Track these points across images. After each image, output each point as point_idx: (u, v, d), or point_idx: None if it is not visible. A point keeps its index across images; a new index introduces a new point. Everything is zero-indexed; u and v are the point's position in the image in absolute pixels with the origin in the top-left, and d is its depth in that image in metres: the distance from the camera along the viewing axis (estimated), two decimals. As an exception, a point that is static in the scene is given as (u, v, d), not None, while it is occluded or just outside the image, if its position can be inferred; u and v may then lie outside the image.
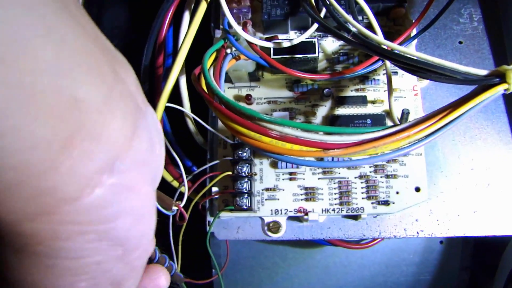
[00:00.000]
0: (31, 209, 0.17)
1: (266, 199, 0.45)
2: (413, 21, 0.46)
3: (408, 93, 0.46)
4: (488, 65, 0.49)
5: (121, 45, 0.62)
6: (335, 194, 0.45)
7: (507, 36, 0.50)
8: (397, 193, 0.44)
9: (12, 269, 0.19)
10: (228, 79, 0.47)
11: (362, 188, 0.44)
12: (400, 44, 0.43)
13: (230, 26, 0.40)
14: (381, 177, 0.45)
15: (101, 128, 0.18)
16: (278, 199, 0.45)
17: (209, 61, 0.39)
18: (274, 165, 0.45)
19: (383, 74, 0.47)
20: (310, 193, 0.45)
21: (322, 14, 0.42)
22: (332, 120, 0.46)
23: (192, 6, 0.47)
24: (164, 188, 0.40)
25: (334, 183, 0.45)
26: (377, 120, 0.45)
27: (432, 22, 0.45)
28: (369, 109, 0.46)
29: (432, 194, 0.46)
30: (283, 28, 0.47)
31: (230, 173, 0.44)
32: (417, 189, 0.44)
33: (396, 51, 0.34)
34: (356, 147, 0.31)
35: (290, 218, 0.46)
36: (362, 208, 0.44)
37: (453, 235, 0.45)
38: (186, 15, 0.47)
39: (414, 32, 0.46)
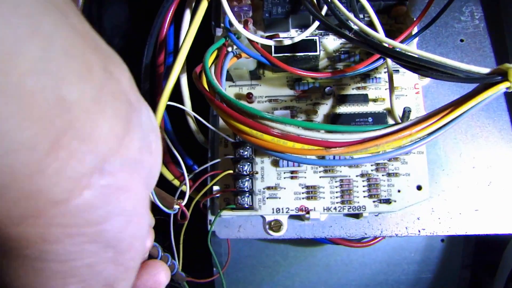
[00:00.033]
0: (18, 213, 0.17)
1: (267, 198, 0.45)
2: (414, 19, 0.46)
3: (409, 91, 0.46)
4: (490, 63, 0.49)
5: (122, 44, 0.62)
6: (336, 192, 0.45)
7: (508, 34, 0.49)
8: (399, 191, 0.44)
9: (0, 272, 0.19)
10: (229, 78, 0.47)
11: (363, 186, 0.44)
12: (401, 42, 0.43)
13: (231, 24, 0.40)
14: (382, 175, 0.45)
15: (90, 128, 0.17)
16: (280, 198, 0.45)
17: (210, 59, 0.39)
18: (275, 163, 0.45)
19: (385, 72, 0.47)
20: (311, 192, 0.45)
21: (323, 12, 0.42)
22: (333, 119, 0.46)
23: (193, 4, 0.47)
24: (165, 187, 0.40)
25: (336, 182, 0.45)
26: (379, 118, 0.45)
27: (434, 20, 0.45)
28: (371, 107, 0.46)
29: (433, 193, 0.45)
30: (284, 26, 0.47)
31: (231, 171, 0.44)
32: (419, 188, 0.44)
33: (397, 49, 0.34)
34: (358, 146, 0.30)
35: (292, 216, 0.46)
36: (363, 207, 0.44)
37: (454, 234, 0.45)
38: (187, 14, 0.46)
39: (415, 30, 0.45)
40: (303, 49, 0.43)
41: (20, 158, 0.16)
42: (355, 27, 0.37)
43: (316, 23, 0.43)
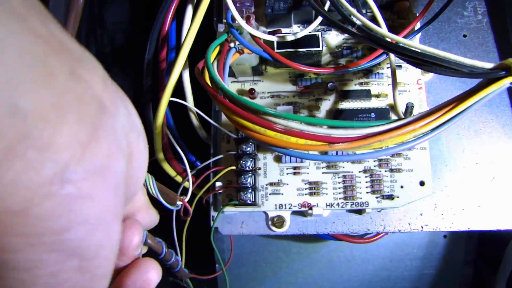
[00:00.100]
0: None
1: (270, 194, 0.45)
2: (417, 14, 0.46)
3: (412, 87, 0.46)
4: (493, 59, 0.49)
5: (124, 40, 0.62)
6: (339, 188, 0.45)
7: (512, 29, 0.49)
8: (402, 187, 0.44)
9: None
10: (231, 73, 0.47)
11: (366, 182, 0.44)
12: (404, 37, 0.43)
13: (233, 19, 0.40)
14: (385, 171, 0.44)
15: (49, 136, 0.17)
16: (282, 194, 0.45)
17: (212, 55, 0.39)
18: (278, 159, 0.45)
19: (387, 67, 0.47)
20: (314, 188, 0.45)
21: (326, 7, 0.42)
22: (336, 114, 0.45)
23: (195, 0, 0.47)
24: (168, 183, 0.40)
25: (339, 178, 0.45)
26: (381, 114, 0.45)
27: (436, 15, 0.44)
28: (373, 103, 0.46)
29: (436, 188, 0.45)
30: (286, 22, 0.47)
31: (234, 167, 0.44)
32: (422, 183, 0.44)
33: (401, 44, 0.33)
34: (362, 141, 0.30)
35: (294, 212, 0.46)
36: (366, 203, 0.44)
37: (457, 229, 0.45)
38: (189, 9, 0.46)
39: (418, 25, 0.45)
40: (306, 45, 0.43)
41: None
42: (358, 22, 0.37)
43: (319, 19, 0.43)
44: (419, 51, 0.32)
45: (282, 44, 0.43)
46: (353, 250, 0.61)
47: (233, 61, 0.42)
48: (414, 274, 0.61)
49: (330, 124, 0.32)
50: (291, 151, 0.32)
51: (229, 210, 0.45)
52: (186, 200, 0.40)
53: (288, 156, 0.45)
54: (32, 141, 0.16)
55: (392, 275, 0.61)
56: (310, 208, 0.44)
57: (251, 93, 0.46)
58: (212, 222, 0.46)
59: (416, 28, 0.45)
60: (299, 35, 0.42)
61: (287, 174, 0.45)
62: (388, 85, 0.46)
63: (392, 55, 0.43)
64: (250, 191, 0.43)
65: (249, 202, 0.43)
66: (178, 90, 0.44)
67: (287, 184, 0.45)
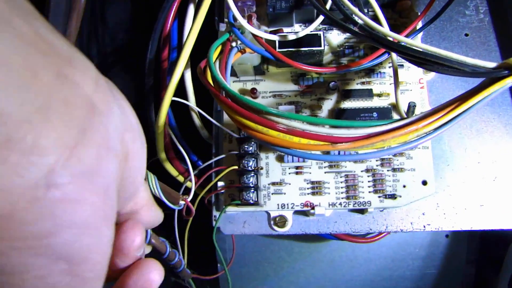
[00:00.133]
0: None
1: (272, 194, 0.45)
2: (419, 13, 0.46)
3: (414, 86, 0.46)
4: (495, 58, 0.49)
5: (126, 40, 0.62)
6: (341, 188, 0.44)
7: (513, 28, 0.49)
8: (404, 186, 0.44)
9: None
10: (233, 73, 0.47)
11: (369, 182, 0.44)
12: (406, 36, 0.43)
13: (235, 19, 0.40)
14: (388, 170, 0.44)
15: (33, 140, 0.16)
16: (285, 193, 0.45)
17: (214, 54, 0.39)
18: (280, 159, 0.45)
19: (389, 67, 0.47)
20: (316, 187, 0.45)
21: (327, 6, 0.42)
22: (338, 114, 0.45)
23: (197, -1, 0.47)
24: (170, 183, 0.40)
25: (341, 177, 0.45)
26: (383, 113, 0.45)
27: (438, 14, 0.44)
28: (375, 102, 0.46)
29: (439, 188, 0.45)
30: (288, 21, 0.47)
31: (236, 167, 0.44)
32: (424, 183, 0.44)
33: (403, 43, 0.33)
34: (364, 141, 0.30)
35: (297, 212, 0.46)
36: (369, 202, 0.44)
37: (460, 229, 0.45)
38: (191, 8, 0.46)
39: (419, 24, 0.45)
40: (308, 44, 0.43)
41: None
42: (360, 21, 0.37)
43: (321, 18, 0.42)
44: (421, 50, 0.32)
45: (283, 43, 0.43)
46: (355, 249, 0.61)
47: (235, 61, 0.42)
48: (416, 273, 0.61)
49: (332, 124, 0.32)
50: (294, 150, 0.32)
51: (231, 209, 0.45)
52: (189, 199, 0.39)
53: (291, 156, 0.45)
54: (14, 145, 0.16)
55: (394, 275, 0.61)
56: (313, 208, 0.44)
57: (253, 92, 0.46)
58: (214, 222, 0.46)
59: (418, 27, 0.45)
60: (301, 34, 0.42)
61: (289, 173, 0.45)
62: (390, 84, 0.46)
63: (394, 55, 0.43)
64: (252, 190, 0.43)
65: (252, 202, 0.43)
66: (180, 90, 0.44)
67: (289, 184, 0.45)
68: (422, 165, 0.44)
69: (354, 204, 0.44)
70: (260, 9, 0.47)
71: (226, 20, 0.47)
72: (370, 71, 0.47)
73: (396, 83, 0.43)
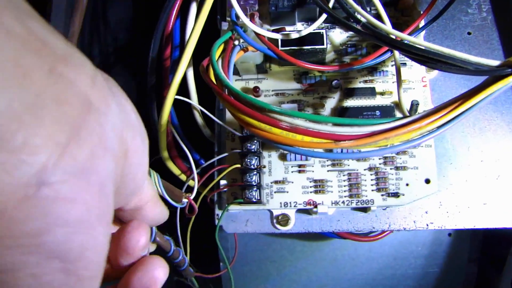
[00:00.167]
0: None
1: (275, 192, 0.45)
2: (421, 12, 0.46)
3: (416, 85, 0.46)
4: (498, 56, 0.49)
5: (127, 38, 0.62)
6: (344, 186, 0.44)
7: (516, 26, 0.49)
8: (407, 185, 0.44)
9: None
10: (235, 72, 0.47)
11: (371, 180, 0.44)
12: (408, 35, 0.43)
13: (237, 17, 0.40)
14: (390, 169, 0.44)
15: (23, 138, 0.16)
16: (287, 192, 0.45)
17: (217, 52, 0.39)
18: (283, 157, 0.45)
19: (392, 65, 0.47)
20: (319, 186, 0.45)
21: (330, 5, 0.42)
22: (341, 112, 0.45)
23: (199, -3, 0.47)
24: (172, 182, 0.40)
25: (344, 175, 0.45)
26: (386, 112, 0.44)
27: (441, 13, 0.44)
28: (378, 101, 0.46)
29: (441, 186, 0.45)
30: (290, 20, 0.47)
31: (239, 166, 0.44)
32: (427, 181, 0.44)
33: (406, 42, 0.33)
34: (368, 139, 0.30)
35: (299, 210, 0.46)
36: (372, 200, 0.44)
37: (463, 227, 0.45)
38: (193, 6, 0.46)
39: (422, 23, 0.45)
40: (310, 42, 0.43)
41: None
42: (363, 20, 0.37)
43: (323, 16, 0.42)
44: (424, 48, 0.32)
45: (286, 42, 0.43)
46: (358, 248, 0.61)
47: (237, 59, 0.42)
48: (418, 272, 0.61)
49: (335, 122, 0.31)
50: (297, 148, 0.32)
51: (233, 208, 0.45)
52: (192, 197, 0.39)
53: (293, 154, 0.45)
54: (3, 143, 0.16)
55: (397, 273, 0.61)
56: (315, 206, 0.44)
57: (256, 91, 0.46)
58: (217, 221, 0.45)
59: (420, 25, 0.45)
60: (304, 33, 0.42)
61: (292, 172, 0.45)
62: (393, 82, 0.46)
63: (396, 53, 0.43)
64: (255, 189, 0.43)
65: (254, 200, 0.43)
66: (182, 88, 0.44)
67: (292, 182, 0.45)
68: (425, 163, 0.44)
69: (357, 202, 0.44)
70: (262, 8, 0.47)
71: (228, 18, 0.47)
72: (372, 70, 0.47)
73: (399, 81, 0.43)
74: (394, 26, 0.46)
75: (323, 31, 0.43)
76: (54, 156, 0.18)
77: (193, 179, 0.42)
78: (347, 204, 0.44)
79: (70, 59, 0.19)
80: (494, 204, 0.45)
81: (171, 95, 0.40)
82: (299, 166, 0.45)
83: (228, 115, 0.46)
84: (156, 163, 0.42)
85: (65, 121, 0.18)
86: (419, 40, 0.33)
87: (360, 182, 0.44)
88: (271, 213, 0.45)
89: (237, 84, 0.48)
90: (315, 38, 0.43)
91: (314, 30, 0.42)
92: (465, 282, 0.60)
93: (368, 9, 0.47)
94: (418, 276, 0.61)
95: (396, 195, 0.44)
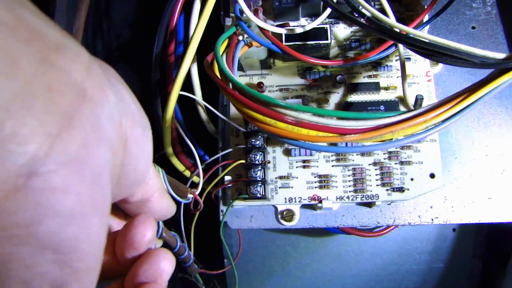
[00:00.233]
0: None
1: (279, 187, 0.45)
2: (425, 6, 0.46)
3: (421, 79, 0.46)
4: (502, 50, 0.48)
5: (131, 35, 0.62)
6: (349, 181, 0.44)
7: (521, 20, 0.49)
8: (412, 179, 0.44)
9: None
10: (239, 67, 0.47)
11: (376, 175, 0.44)
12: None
13: (241, 12, 0.40)
14: (395, 163, 0.44)
15: (12, 128, 0.16)
16: (292, 187, 0.45)
17: (221, 48, 0.39)
18: (287, 153, 0.45)
19: (396, 60, 0.47)
20: (324, 181, 0.45)
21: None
22: (345, 107, 0.45)
23: (203, -7, 0.47)
24: (176, 178, 0.40)
25: (348, 170, 0.45)
26: (391, 106, 0.44)
27: (445, 7, 0.44)
28: (382, 96, 0.46)
29: (446, 181, 0.45)
30: (294, 15, 0.47)
31: (243, 161, 0.44)
32: (432, 176, 0.44)
33: (411, 35, 0.33)
34: (373, 132, 0.30)
35: (304, 206, 0.46)
36: (376, 195, 0.44)
37: (468, 222, 0.45)
38: (197, 2, 0.46)
39: (426, 17, 0.45)
40: (314, 38, 0.43)
41: None
42: (367, 14, 0.36)
43: (328, 11, 0.42)
44: (429, 41, 0.32)
45: (290, 37, 0.43)
46: (362, 244, 0.61)
47: (241, 55, 0.42)
48: (422, 268, 0.61)
49: (341, 116, 0.31)
50: (302, 142, 0.32)
51: (238, 204, 0.45)
52: (197, 193, 0.39)
53: (298, 149, 0.44)
54: None
55: (401, 269, 0.61)
56: (320, 201, 0.44)
57: (260, 86, 0.46)
58: (221, 217, 0.45)
59: (425, 20, 0.45)
60: (308, 28, 0.42)
61: (296, 167, 0.45)
62: (397, 77, 0.46)
63: (401, 47, 0.43)
64: (259, 184, 0.43)
65: (259, 196, 0.43)
66: (186, 84, 0.44)
67: (297, 178, 0.45)
68: (429, 158, 0.44)
69: (361, 197, 0.44)
70: (266, 3, 0.47)
71: (232, 14, 0.47)
72: (377, 64, 0.47)
73: (403, 76, 0.43)
74: (398, 21, 0.45)
75: (327, 26, 0.43)
76: (44, 146, 0.17)
77: (197, 175, 0.42)
78: (352, 199, 0.44)
79: (63, 48, 0.19)
80: (499, 199, 0.45)
81: (176, 90, 0.40)
82: (304, 161, 0.45)
83: (233, 110, 0.46)
84: (160, 159, 0.42)
85: (56, 110, 0.18)
86: (424, 34, 0.33)
87: (364, 177, 0.44)
88: (276, 208, 0.45)
89: (241, 80, 0.48)
90: (319, 33, 0.43)
91: (318, 25, 0.42)
92: (470, 278, 0.60)
93: (373, 3, 0.46)
94: (422, 272, 0.61)
95: (401, 189, 0.44)
